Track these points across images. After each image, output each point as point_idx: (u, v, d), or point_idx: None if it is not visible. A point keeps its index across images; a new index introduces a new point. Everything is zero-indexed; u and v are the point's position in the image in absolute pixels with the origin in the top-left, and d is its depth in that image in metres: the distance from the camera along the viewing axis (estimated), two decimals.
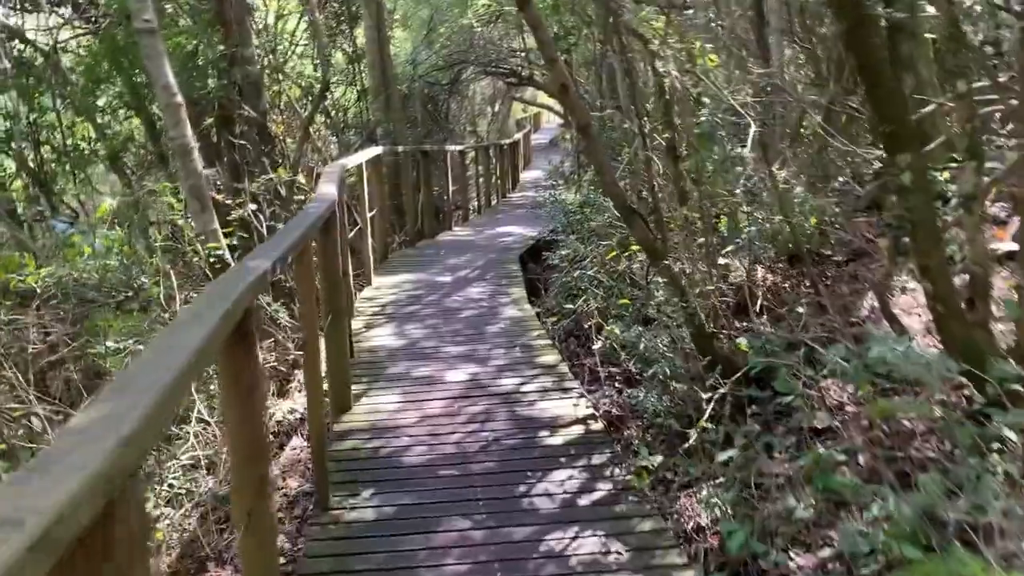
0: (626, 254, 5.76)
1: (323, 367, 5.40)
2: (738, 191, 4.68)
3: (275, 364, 7.07)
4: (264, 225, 8.10)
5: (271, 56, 10.70)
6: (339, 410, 4.87)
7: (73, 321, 5.93)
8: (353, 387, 5.21)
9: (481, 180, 15.52)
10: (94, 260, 6.67)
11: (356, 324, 6.75)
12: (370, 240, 8.18)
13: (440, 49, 18.35)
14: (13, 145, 11.98)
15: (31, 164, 11.84)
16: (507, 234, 11.57)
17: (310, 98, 10.99)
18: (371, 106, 16.92)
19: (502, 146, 18.12)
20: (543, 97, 39.90)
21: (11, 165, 12.42)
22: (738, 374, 4.03)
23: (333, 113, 17.71)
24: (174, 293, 6.48)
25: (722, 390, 4.03)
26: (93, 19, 9.89)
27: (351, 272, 7.18)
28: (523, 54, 19.09)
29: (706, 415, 3.98)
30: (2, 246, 7.25)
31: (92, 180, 12.50)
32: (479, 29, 17.31)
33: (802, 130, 5.82)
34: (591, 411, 4.76)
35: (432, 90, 19.11)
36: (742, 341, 4.12)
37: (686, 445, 3.92)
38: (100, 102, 9.04)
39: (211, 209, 6.43)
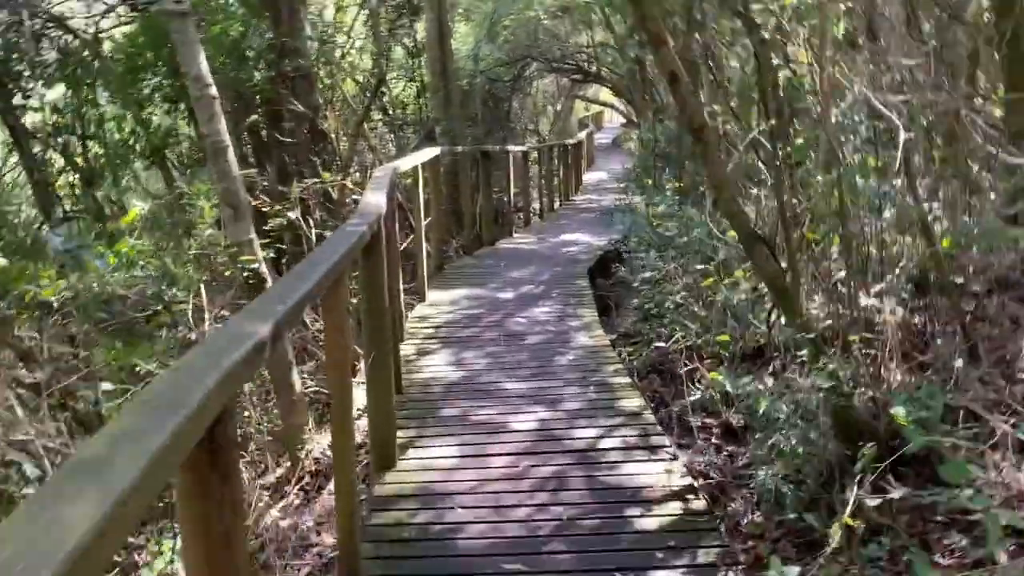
0: (725, 282, 4.81)
1: (362, 413, 4.62)
2: (880, 211, 3.70)
3: (317, 388, 6.31)
4: (313, 232, 7.38)
5: (325, 48, 9.99)
6: (382, 466, 4.05)
7: (87, 343, 5.25)
8: (399, 433, 4.39)
9: (543, 182, 14.63)
10: (121, 272, 5.99)
11: (406, 350, 5.94)
12: (425, 250, 7.37)
13: (503, 44, 17.52)
14: (59, 140, 11.56)
15: (78, 160, 11.38)
16: (572, 243, 10.66)
17: (367, 94, 10.20)
18: (430, 103, 16.20)
19: (566, 146, 17.19)
20: (605, 95, 38.93)
21: (59, 160, 12.01)
22: (893, 456, 3.09)
23: (391, 110, 17.05)
24: (204, 310, 5.77)
25: (870, 476, 3.08)
26: (138, 6, 9.32)
27: (402, 289, 6.37)
28: (590, 49, 18.17)
29: (850, 508, 3.03)
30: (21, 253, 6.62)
31: (139, 178, 12.00)
32: (545, 22, 16.39)
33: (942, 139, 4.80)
34: (689, 480, 3.84)
35: (494, 87, 18.29)
36: (899, 411, 3.16)
37: (827, 549, 2.98)
38: (143, 93, 8.41)
39: (248, 217, 5.68)
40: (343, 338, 2.74)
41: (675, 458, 4.10)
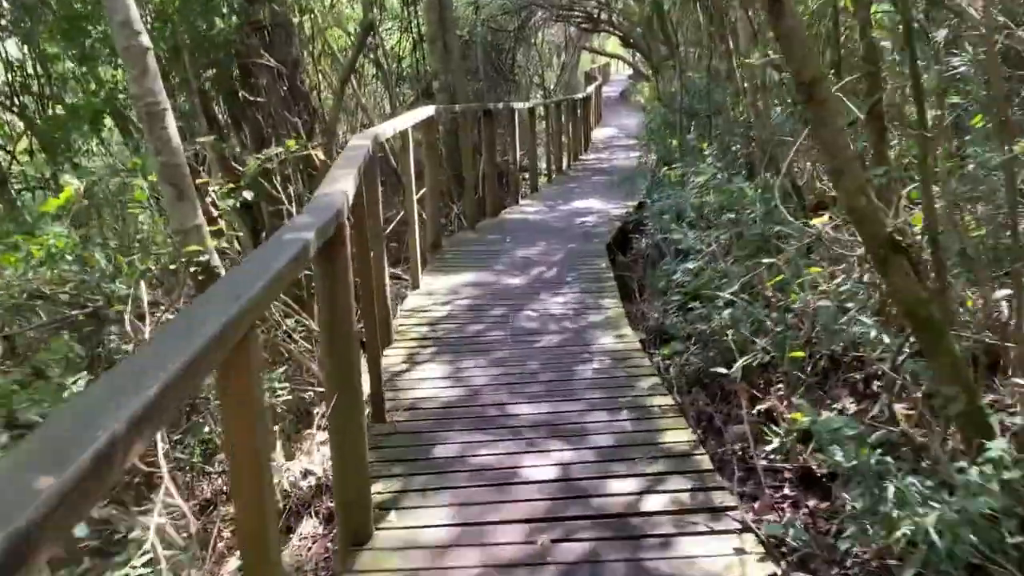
0: (799, 280, 3.71)
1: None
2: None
3: (282, 403, 5.24)
4: (295, 208, 6.28)
5: None
6: (352, 541, 3.02)
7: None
8: (377, 488, 3.36)
9: (551, 142, 13.42)
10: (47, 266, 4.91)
11: (392, 358, 4.88)
12: (417, 231, 6.26)
13: None
14: (16, 101, 10.40)
15: (38, 122, 10.22)
16: (586, 211, 9.52)
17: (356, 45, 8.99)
18: (427, 56, 14.93)
19: (574, 102, 15.92)
20: (613, 45, 37.25)
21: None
22: None
23: (384, 64, 15.77)
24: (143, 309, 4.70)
25: None
26: None
27: (387, 282, 5.29)
28: None
29: None
30: None
31: (110, 146, 10.85)
32: None
33: None
34: (771, 569, 2.80)
35: (496, 37, 16.97)
36: None
37: None
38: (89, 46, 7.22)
39: (192, 198, 4.58)
40: (252, 438, 1.67)
41: (746, 528, 3.05)
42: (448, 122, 10.07)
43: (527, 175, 11.86)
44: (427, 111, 6.70)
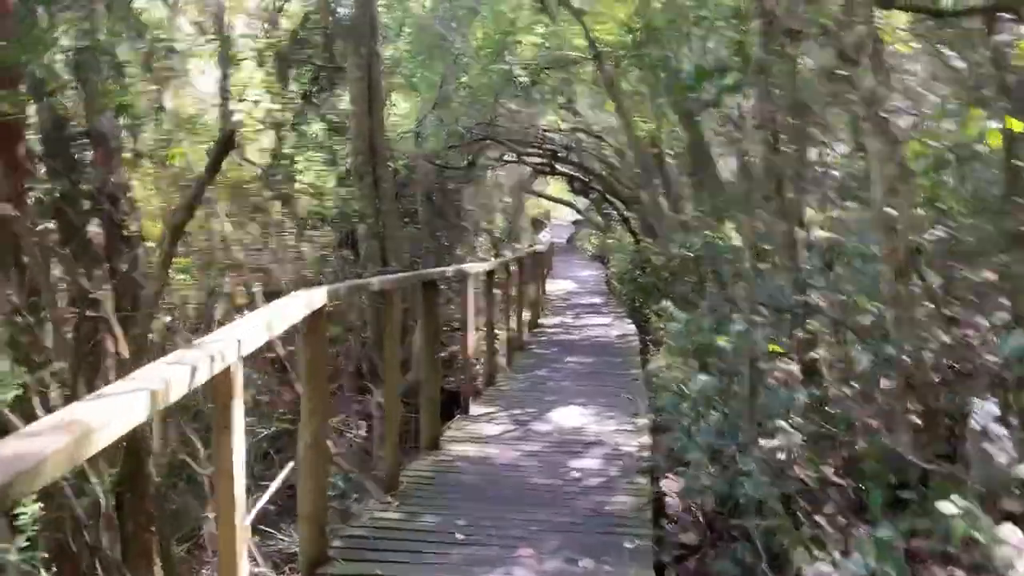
0: None
1: None
2: None
3: None
4: None
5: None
6: None
7: None
8: None
9: (508, 308, 10.17)
10: None
11: None
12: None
13: (455, 121, 13.38)
14: None
15: None
16: (576, 439, 6.11)
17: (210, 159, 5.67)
18: (354, 192, 11.86)
19: (535, 255, 12.91)
20: (556, 189, 35.33)
21: None
22: None
23: (298, 201, 12.61)
24: None
25: None
26: None
27: None
28: (561, 133, 14.26)
29: None
30: None
31: None
32: (517, 95, 12.30)
33: None
34: None
35: (440, 176, 14.09)
36: None
37: None
38: None
39: None
40: None
41: None
42: (357, 306, 6.78)
43: (479, 361, 8.52)
44: (311, 298, 3.32)
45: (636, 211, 14.88)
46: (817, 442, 4.80)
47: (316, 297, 3.39)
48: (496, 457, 5.59)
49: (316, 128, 13.12)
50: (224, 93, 4.45)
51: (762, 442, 4.58)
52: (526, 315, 10.99)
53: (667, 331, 6.34)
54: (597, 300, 16.90)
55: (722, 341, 5.59)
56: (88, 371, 4.96)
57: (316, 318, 3.45)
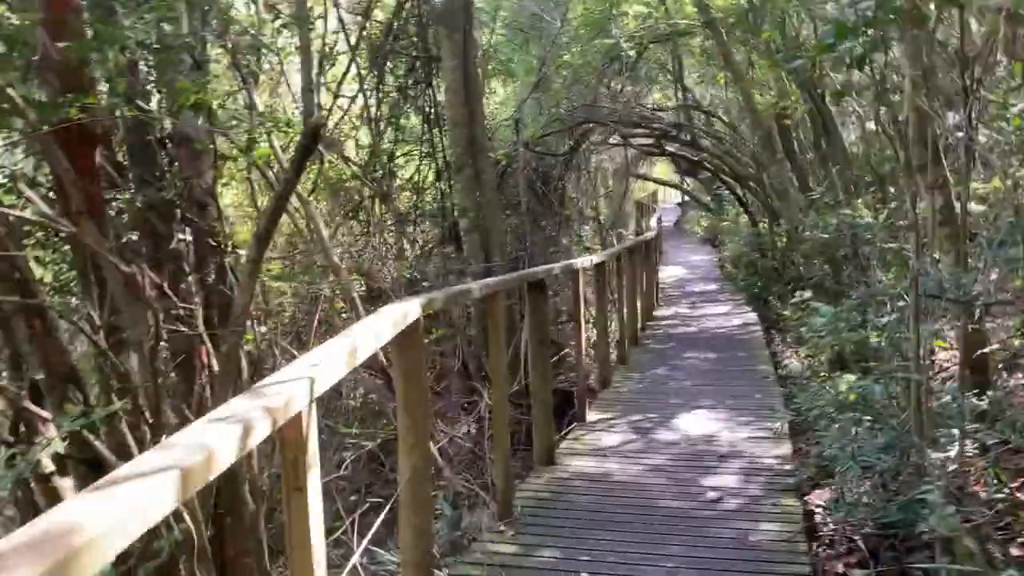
0: None
1: None
2: None
3: None
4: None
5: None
6: None
7: None
8: None
9: (620, 302, 9.54)
10: None
11: None
12: None
13: (556, 105, 12.79)
14: None
15: None
16: (711, 449, 5.47)
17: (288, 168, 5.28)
18: (454, 185, 11.48)
19: (646, 244, 12.20)
20: (661, 171, 34.21)
21: None
22: None
23: (398, 198, 12.34)
24: None
25: None
26: None
27: None
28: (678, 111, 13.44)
29: None
30: None
31: None
32: (621, 72, 11.61)
33: None
34: None
35: (542, 164, 13.54)
36: None
37: None
38: None
39: None
40: None
41: None
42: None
43: (592, 362, 7.95)
44: (403, 311, 2.83)
45: (753, 190, 13.90)
46: (992, 453, 4.01)
47: (409, 310, 2.91)
48: (618, 474, 5.02)
49: (414, 121, 12.82)
50: (308, 85, 4.08)
51: (933, 455, 3.83)
52: (639, 307, 10.32)
53: (808, 325, 5.57)
54: (712, 287, 16.00)
55: (875, 338, 4.83)
56: (182, 390, 4.69)
57: (410, 335, 2.97)
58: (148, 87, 4.61)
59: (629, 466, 5.15)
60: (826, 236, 6.91)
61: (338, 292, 5.99)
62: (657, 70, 15.78)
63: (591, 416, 6.42)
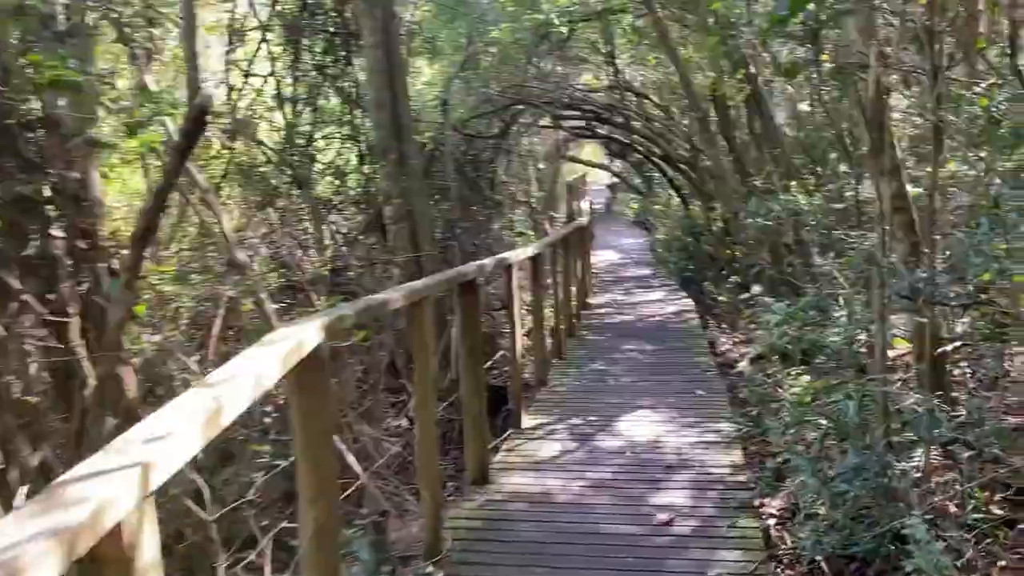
0: None
1: None
2: None
3: None
4: None
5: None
6: None
7: None
8: None
9: (555, 292, 9.10)
10: None
11: None
12: None
13: (485, 85, 12.22)
14: None
15: None
16: (656, 468, 5.06)
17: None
18: (378, 171, 10.84)
19: (581, 230, 11.79)
20: (590, 152, 33.92)
21: None
22: None
23: (318, 183, 11.62)
24: None
25: None
26: None
27: None
28: (603, 92, 13.01)
29: None
30: None
31: None
32: (552, 52, 11.11)
33: None
34: None
35: (472, 147, 12.97)
36: None
37: None
38: None
39: None
40: None
41: None
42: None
43: (529, 355, 7.49)
44: (295, 342, 2.27)
45: (686, 173, 13.62)
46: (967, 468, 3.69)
47: (305, 338, 2.35)
48: (559, 492, 4.55)
49: (334, 103, 12.08)
50: (193, 59, 3.45)
51: (899, 465, 3.47)
52: (574, 297, 9.90)
53: (760, 323, 5.21)
54: (645, 271, 15.73)
55: (833, 338, 4.48)
56: (61, 418, 4.02)
57: (310, 370, 2.42)
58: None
59: (571, 482, 4.69)
60: (768, 223, 6.57)
61: (242, 293, 5.37)
62: (588, 50, 15.36)
63: (528, 421, 5.94)
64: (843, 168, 9.29)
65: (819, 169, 10.61)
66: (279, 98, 11.00)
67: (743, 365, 4.97)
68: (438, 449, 3.99)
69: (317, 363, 2.48)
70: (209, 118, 3.85)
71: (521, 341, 5.87)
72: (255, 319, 5.47)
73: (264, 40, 10.47)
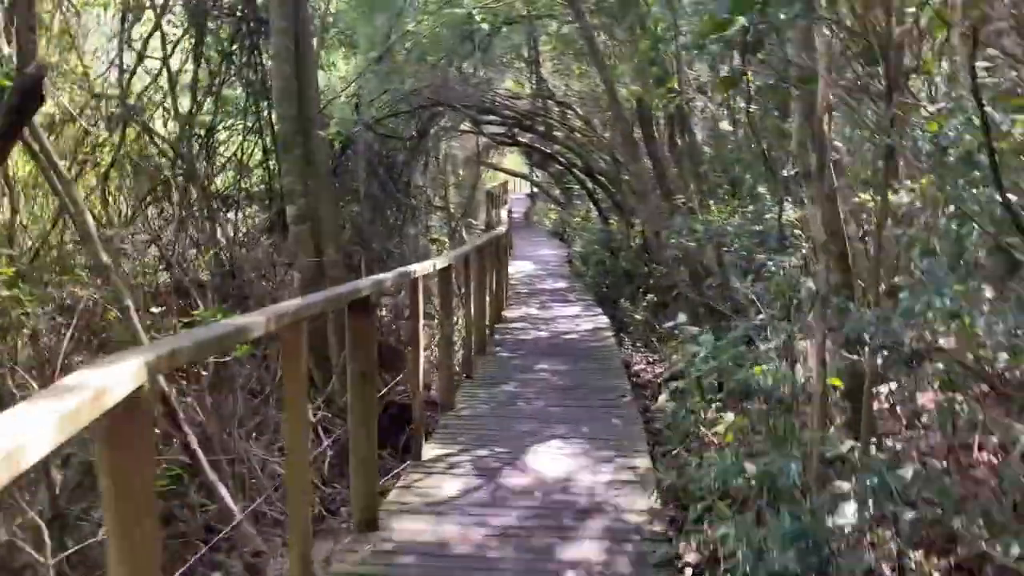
0: None
1: None
2: None
3: None
4: None
5: None
6: None
7: None
8: None
9: (467, 305, 8.59)
10: None
11: None
12: None
13: (402, 82, 11.60)
14: None
15: None
16: (567, 512, 4.57)
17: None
18: (282, 167, 10.10)
19: (498, 240, 11.30)
20: (512, 161, 33.56)
21: None
22: None
23: (216, 177, 10.80)
24: None
25: None
26: None
27: None
28: (523, 99, 12.55)
29: None
30: None
31: None
32: (473, 53, 10.60)
33: None
34: None
35: (386, 146, 12.33)
36: None
37: None
38: None
39: None
40: None
41: None
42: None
43: (432, 385, 6.94)
44: (103, 384, 1.70)
45: (605, 187, 13.33)
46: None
47: (111, 385, 1.74)
48: (458, 542, 4.01)
49: (239, 92, 11.26)
50: (28, 24, 2.80)
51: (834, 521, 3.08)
52: (488, 310, 9.39)
53: (682, 353, 4.80)
54: (562, 284, 15.36)
55: (760, 374, 4.09)
56: None
57: (124, 421, 1.81)
58: None
59: (471, 529, 4.15)
60: (692, 244, 6.22)
61: (105, 299, 4.63)
62: (512, 55, 14.93)
63: (429, 451, 5.38)
64: (760, 189, 9.09)
65: (735, 189, 10.44)
66: (173, 84, 10.11)
67: (662, 399, 4.56)
68: (311, 495, 3.40)
69: (132, 413, 1.87)
70: (46, 93, 3.17)
71: (424, 364, 5.30)
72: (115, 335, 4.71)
73: (161, 19, 9.59)
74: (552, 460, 5.27)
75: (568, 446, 5.56)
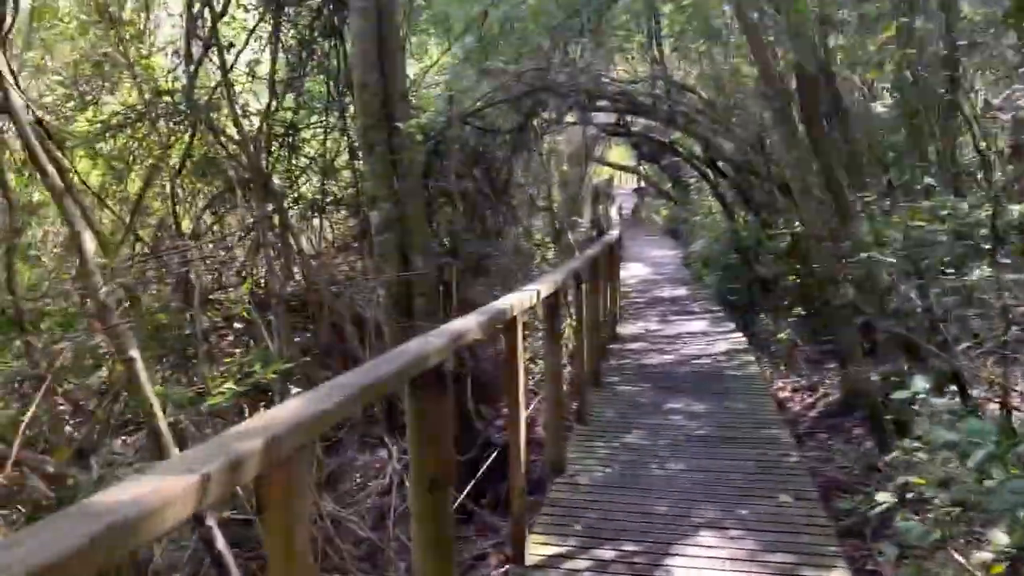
0: None
1: None
2: None
3: None
4: None
5: None
6: None
7: None
8: None
9: (580, 329, 7.09)
10: None
11: None
12: None
13: (501, 70, 10.23)
14: None
15: None
16: None
17: None
18: (364, 168, 8.96)
19: (611, 248, 9.80)
20: (617, 154, 31.74)
21: None
22: None
23: (294, 180, 9.76)
24: None
25: None
26: None
27: None
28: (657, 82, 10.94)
29: None
30: None
31: None
32: (582, 34, 9.13)
33: None
34: None
35: (482, 142, 10.99)
36: None
37: None
38: None
39: None
40: None
41: None
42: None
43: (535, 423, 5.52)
44: None
45: (735, 181, 11.59)
46: None
47: None
48: None
49: (319, 86, 10.18)
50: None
51: None
52: (601, 334, 7.89)
53: (908, 448, 3.18)
54: (682, 291, 13.70)
55: None
56: None
57: None
58: None
59: None
60: (891, 259, 4.55)
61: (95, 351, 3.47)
62: (622, 38, 13.34)
63: (535, 549, 3.96)
64: (927, 180, 7.30)
65: (890, 179, 8.62)
66: (254, 76, 9.08)
67: (885, 497, 2.98)
68: None
69: None
70: None
71: (524, 435, 3.87)
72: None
73: (227, 6, 8.56)
74: (702, 571, 3.75)
75: (723, 544, 4.02)
